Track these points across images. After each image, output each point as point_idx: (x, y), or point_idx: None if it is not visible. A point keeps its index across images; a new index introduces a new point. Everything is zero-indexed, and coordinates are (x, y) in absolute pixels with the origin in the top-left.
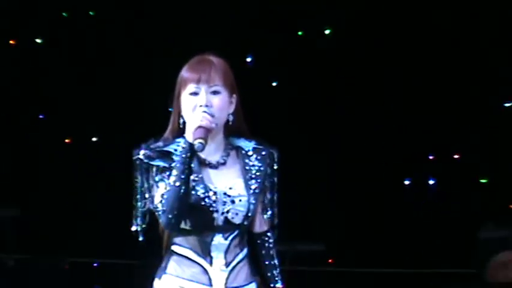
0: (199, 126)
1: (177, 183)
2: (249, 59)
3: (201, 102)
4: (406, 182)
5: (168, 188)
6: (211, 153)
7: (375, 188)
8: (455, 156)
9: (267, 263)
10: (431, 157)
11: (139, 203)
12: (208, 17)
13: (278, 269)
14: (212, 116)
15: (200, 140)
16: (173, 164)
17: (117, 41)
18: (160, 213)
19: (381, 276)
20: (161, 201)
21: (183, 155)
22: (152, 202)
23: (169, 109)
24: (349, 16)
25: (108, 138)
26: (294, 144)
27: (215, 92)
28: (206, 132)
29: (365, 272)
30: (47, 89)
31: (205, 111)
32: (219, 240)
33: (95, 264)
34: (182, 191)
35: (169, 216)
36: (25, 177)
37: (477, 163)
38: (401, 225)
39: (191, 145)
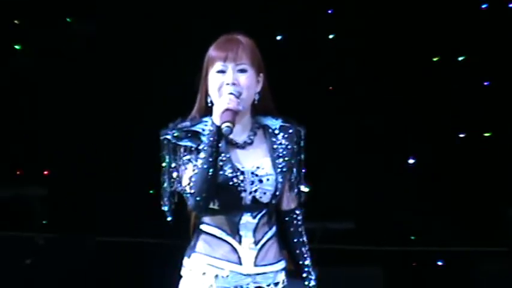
0: (227, 109)
1: (205, 166)
2: (278, 37)
3: (227, 80)
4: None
5: (196, 171)
6: (238, 133)
7: (404, 165)
8: (486, 134)
9: (295, 240)
10: (461, 135)
11: (166, 183)
12: None
13: (307, 246)
14: (239, 94)
15: (228, 124)
16: (201, 146)
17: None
18: (188, 195)
19: (410, 254)
20: (189, 183)
21: (211, 138)
22: (180, 182)
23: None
24: None
25: (137, 117)
26: (323, 122)
27: (242, 70)
28: (233, 115)
29: (394, 250)
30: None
31: (231, 93)
32: (247, 219)
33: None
34: (210, 173)
35: (198, 198)
36: (53, 156)
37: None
38: (432, 202)
39: (219, 128)
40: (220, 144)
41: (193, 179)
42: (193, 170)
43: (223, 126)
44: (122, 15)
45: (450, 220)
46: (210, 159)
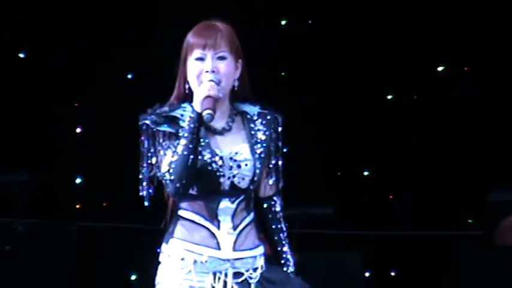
0: (208, 96)
1: (185, 152)
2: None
3: (207, 68)
4: (415, 143)
5: (176, 157)
6: (217, 119)
7: (383, 149)
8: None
9: (273, 226)
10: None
11: (145, 169)
12: None
13: (285, 233)
14: (219, 81)
15: (209, 111)
16: (181, 133)
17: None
18: (168, 182)
19: (389, 238)
20: (169, 170)
21: (191, 125)
22: (159, 168)
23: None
24: None
25: (115, 103)
26: (300, 108)
27: (221, 58)
28: (214, 102)
29: (373, 235)
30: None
31: (212, 80)
32: (225, 204)
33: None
34: (190, 160)
35: (177, 185)
36: (33, 141)
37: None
38: (411, 186)
39: (199, 115)
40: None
41: (173, 166)
42: (173, 156)
43: (204, 113)
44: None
45: (429, 204)
46: (191, 146)
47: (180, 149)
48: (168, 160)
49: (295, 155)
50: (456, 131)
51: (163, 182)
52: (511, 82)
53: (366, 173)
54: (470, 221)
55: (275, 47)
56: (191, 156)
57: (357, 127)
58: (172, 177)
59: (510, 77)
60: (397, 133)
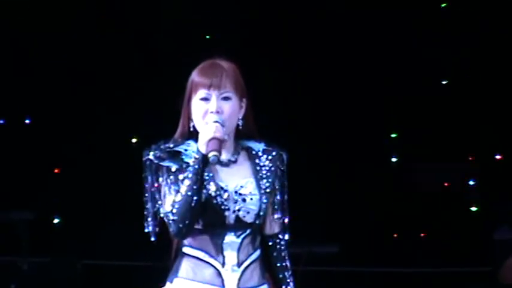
0: (213, 138)
1: (189, 193)
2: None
3: (212, 109)
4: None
5: (179, 198)
6: (223, 152)
7: (389, 188)
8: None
9: (278, 264)
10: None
11: (149, 204)
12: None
13: (290, 271)
14: (224, 122)
15: (214, 153)
16: (184, 170)
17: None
18: (171, 222)
19: (396, 276)
20: (172, 210)
21: (196, 166)
22: (162, 205)
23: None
24: None
25: (120, 141)
26: (304, 146)
27: (226, 98)
28: (220, 144)
29: (380, 271)
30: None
31: (217, 121)
32: (231, 238)
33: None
34: (194, 201)
35: (180, 225)
36: (39, 181)
37: (495, 165)
38: (417, 224)
39: (205, 157)
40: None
41: (176, 206)
42: (176, 196)
43: (210, 155)
44: None
45: (436, 241)
46: (195, 187)
47: (183, 189)
48: (171, 199)
49: (300, 193)
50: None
51: (166, 221)
52: None
53: (371, 210)
54: (476, 258)
55: (278, 85)
56: (195, 198)
57: (361, 165)
58: (175, 218)
59: None
60: (403, 170)
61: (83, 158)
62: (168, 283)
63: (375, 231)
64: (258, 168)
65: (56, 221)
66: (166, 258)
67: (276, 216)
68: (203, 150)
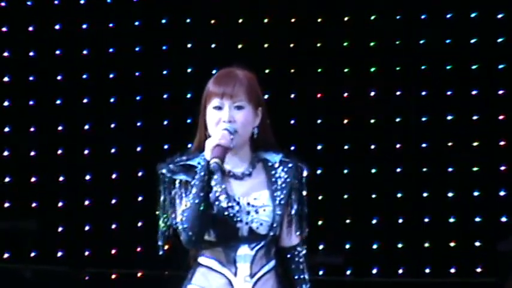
0: (217, 145)
1: (196, 201)
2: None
3: (224, 118)
4: (425, 194)
5: (188, 206)
6: (237, 165)
7: (393, 198)
8: (475, 169)
9: (296, 277)
10: (450, 169)
11: (162, 217)
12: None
13: (308, 284)
14: (235, 131)
15: (216, 160)
16: (193, 182)
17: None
18: (181, 230)
19: (400, 286)
20: (181, 219)
21: (201, 173)
22: (175, 218)
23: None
24: None
25: (129, 150)
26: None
27: (239, 107)
28: (223, 151)
29: (384, 282)
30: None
31: (226, 129)
32: (244, 251)
33: (114, 276)
34: (201, 208)
35: (190, 233)
36: (42, 190)
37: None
38: (421, 235)
39: (208, 163)
40: (216, 177)
41: (185, 214)
42: (186, 205)
43: (211, 161)
44: None
45: (439, 251)
46: (201, 194)
47: (191, 197)
48: (181, 209)
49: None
50: (466, 180)
51: (177, 230)
52: None
53: (374, 221)
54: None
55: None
56: (202, 205)
57: (368, 174)
58: (185, 226)
59: None
60: (406, 179)
61: (89, 166)
62: None
63: (379, 240)
64: (274, 179)
65: (60, 229)
66: (180, 267)
67: (294, 228)
68: (208, 157)
